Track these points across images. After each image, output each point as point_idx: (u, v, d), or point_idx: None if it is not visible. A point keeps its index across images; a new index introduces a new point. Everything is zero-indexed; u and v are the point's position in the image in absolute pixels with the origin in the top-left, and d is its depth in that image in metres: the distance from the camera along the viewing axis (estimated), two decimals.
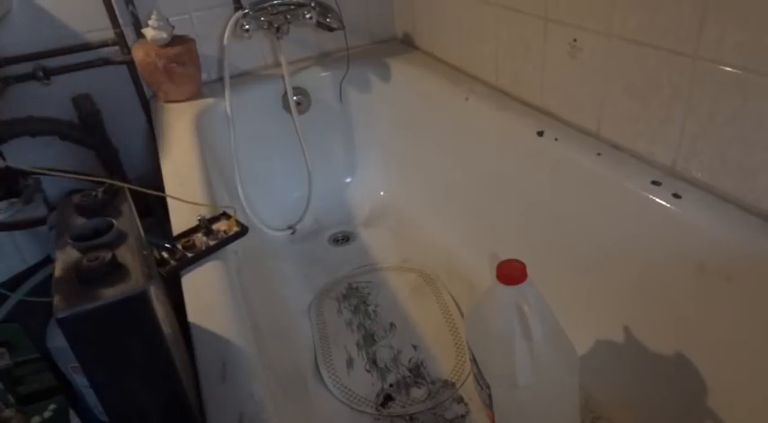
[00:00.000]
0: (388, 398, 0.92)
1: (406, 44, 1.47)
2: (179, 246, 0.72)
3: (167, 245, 0.72)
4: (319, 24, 1.24)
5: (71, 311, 0.43)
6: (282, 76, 1.30)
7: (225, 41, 1.21)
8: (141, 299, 0.45)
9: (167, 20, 1.16)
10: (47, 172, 0.94)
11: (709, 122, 0.71)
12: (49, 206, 1.09)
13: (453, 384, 0.93)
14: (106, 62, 1.20)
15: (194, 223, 0.76)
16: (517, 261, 0.68)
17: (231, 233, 0.75)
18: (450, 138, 1.22)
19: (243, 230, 0.76)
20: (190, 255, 0.71)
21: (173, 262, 0.70)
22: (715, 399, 0.70)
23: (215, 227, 0.76)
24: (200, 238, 0.74)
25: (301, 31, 1.35)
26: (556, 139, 0.93)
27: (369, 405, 0.91)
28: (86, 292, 0.44)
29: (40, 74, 1.13)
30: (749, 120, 0.66)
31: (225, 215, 0.78)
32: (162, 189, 0.94)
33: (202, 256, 0.71)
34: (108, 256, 0.47)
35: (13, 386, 0.97)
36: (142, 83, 1.25)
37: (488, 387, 0.74)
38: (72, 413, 1.01)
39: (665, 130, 0.77)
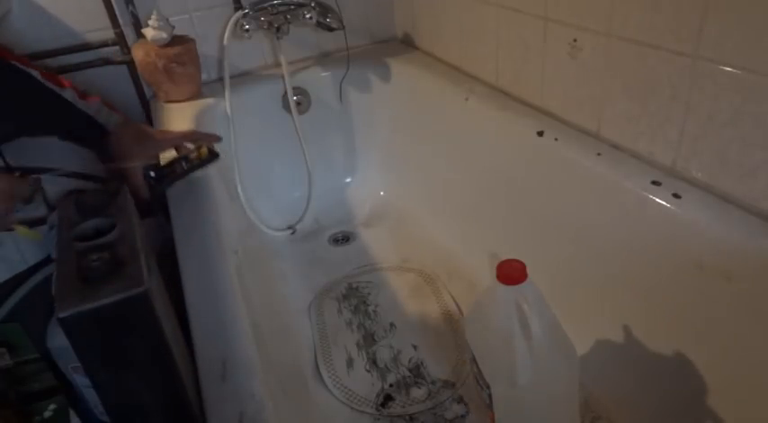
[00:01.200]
0: (388, 398, 0.92)
1: (406, 44, 1.47)
2: (164, 172, 0.86)
3: (152, 174, 0.84)
4: (319, 24, 1.24)
5: (73, 311, 0.43)
6: (282, 76, 1.30)
7: (225, 41, 1.21)
8: (142, 298, 0.45)
9: (167, 20, 1.16)
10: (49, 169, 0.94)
11: (709, 122, 0.71)
12: (49, 206, 1.09)
13: (453, 384, 0.93)
14: (106, 62, 1.20)
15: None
16: (517, 261, 0.68)
17: (204, 158, 0.89)
18: (451, 138, 1.22)
19: (214, 155, 0.90)
20: (171, 176, 0.86)
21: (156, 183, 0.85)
22: (715, 398, 0.70)
23: (193, 156, 0.89)
24: (180, 165, 0.87)
25: (301, 31, 1.35)
26: (556, 139, 0.93)
27: (369, 405, 0.92)
28: (88, 291, 0.44)
29: None
30: (749, 120, 0.66)
31: (205, 148, 0.91)
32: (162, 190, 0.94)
33: (180, 177, 0.86)
34: (109, 255, 0.47)
35: (13, 386, 0.97)
36: (142, 83, 1.25)
37: (488, 387, 0.75)
38: (72, 413, 1.01)
39: (665, 131, 0.78)
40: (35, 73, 0.65)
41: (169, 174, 0.85)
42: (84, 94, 0.72)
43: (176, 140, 0.87)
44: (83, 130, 0.67)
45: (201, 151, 0.89)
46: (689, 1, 0.68)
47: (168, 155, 0.89)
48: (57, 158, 0.84)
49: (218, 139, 0.91)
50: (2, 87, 0.61)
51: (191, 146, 0.89)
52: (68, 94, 0.69)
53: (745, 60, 0.65)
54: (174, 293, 0.66)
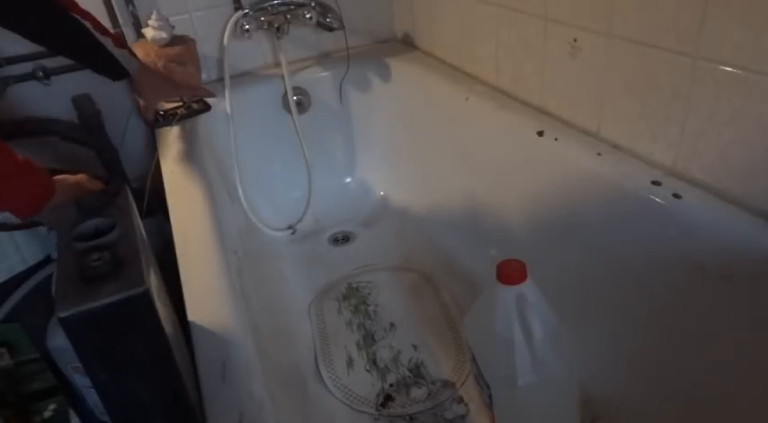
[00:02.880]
0: (388, 398, 0.92)
1: (406, 44, 1.47)
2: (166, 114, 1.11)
3: (160, 112, 1.11)
4: (319, 24, 1.24)
5: (73, 311, 0.43)
6: (282, 76, 1.30)
7: (225, 41, 1.21)
8: (143, 298, 0.45)
9: (167, 20, 1.16)
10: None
11: (710, 122, 0.71)
12: None
13: (453, 384, 0.93)
14: None
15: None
16: (517, 261, 0.68)
17: (199, 108, 1.13)
18: (451, 137, 1.22)
19: (207, 107, 1.14)
20: (172, 117, 1.11)
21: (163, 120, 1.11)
22: (715, 399, 0.70)
23: (194, 105, 1.13)
24: (181, 110, 1.12)
25: (301, 31, 1.35)
26: (556, 139, 0.93)
27: (369, 405, 0.92)
28: (88, 291, 0.44)
29: (40, 74, 1.13)
30: (749, 120, 0.66)
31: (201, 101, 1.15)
32: (162, 189, 0.95)
33: (179, 119, 1.11)
34: (110, 255, 0.47)
35: (13, 386, 0.97)
36: None
37: (488, 387, 0.75)
38: (72, 413, 1.01)
39: (666, 130, 0.77)
40: (88, 24, 0.89)
41: (171, 115, 1.12)
42: (119, 43, 0.96)
43: (182, 93, 1.13)
44: (110, 70, 0.96)
45: (198, 104, 1.14)
46: (689, 1, 0.68)
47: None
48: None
49: (213, 95, 1.16)
50: (65, 32, 0.88)
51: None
52: (108, 42, 0.92)
53: (745, 60, 0.65)
54: (174, 293, 0.66)
